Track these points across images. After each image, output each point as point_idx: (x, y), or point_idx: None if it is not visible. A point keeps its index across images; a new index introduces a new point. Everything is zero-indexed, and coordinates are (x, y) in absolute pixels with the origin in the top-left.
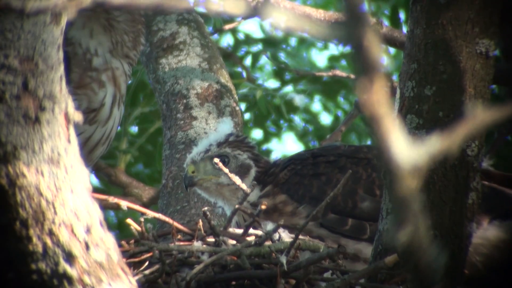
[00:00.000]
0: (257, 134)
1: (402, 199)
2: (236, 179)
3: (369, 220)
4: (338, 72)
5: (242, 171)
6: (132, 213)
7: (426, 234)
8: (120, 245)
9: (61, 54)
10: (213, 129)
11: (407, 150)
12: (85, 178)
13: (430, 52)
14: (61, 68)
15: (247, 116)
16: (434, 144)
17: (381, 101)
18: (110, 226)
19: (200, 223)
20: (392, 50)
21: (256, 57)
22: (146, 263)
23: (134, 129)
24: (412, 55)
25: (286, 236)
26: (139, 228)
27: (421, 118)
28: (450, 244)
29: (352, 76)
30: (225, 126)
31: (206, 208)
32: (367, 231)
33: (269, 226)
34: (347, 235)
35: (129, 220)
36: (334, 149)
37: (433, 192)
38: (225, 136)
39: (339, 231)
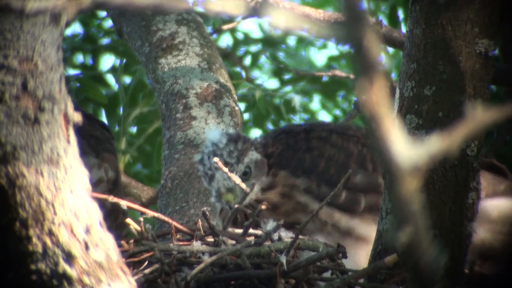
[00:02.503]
0: (256, 134)
1: (402, 199)
2: (236, 178)
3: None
4: (338, 72)
5: (260, 169)
6: (130, 212)
7: (426, 234)
8: (119, 245)
9: (60, 55)
10: (212, 129)
11: (406, 150)
12: (85, 178)
13: (430, 52)
14: (61, 69)
15: (246, 116)
16: (434, 144)
17: (380, 102)
18: None
19: (200, 223)
20: (390, 49)
21: (255, 57)
22: (146, 263)
23: (133, 129)
24: (412, 55)
25: (285, 235)
26: (138, 228)
27: (421, 118)
28: (450, 244)
29: (352, 76)
30: (214, 133)
31: (205, 208)
32: (361, 204)
33: (269, 225)
34: (341, 208)
35: (128, 220)
36: (325, 125)
37: (433, 192)
38: (232, 146)
39: (334, 204)
